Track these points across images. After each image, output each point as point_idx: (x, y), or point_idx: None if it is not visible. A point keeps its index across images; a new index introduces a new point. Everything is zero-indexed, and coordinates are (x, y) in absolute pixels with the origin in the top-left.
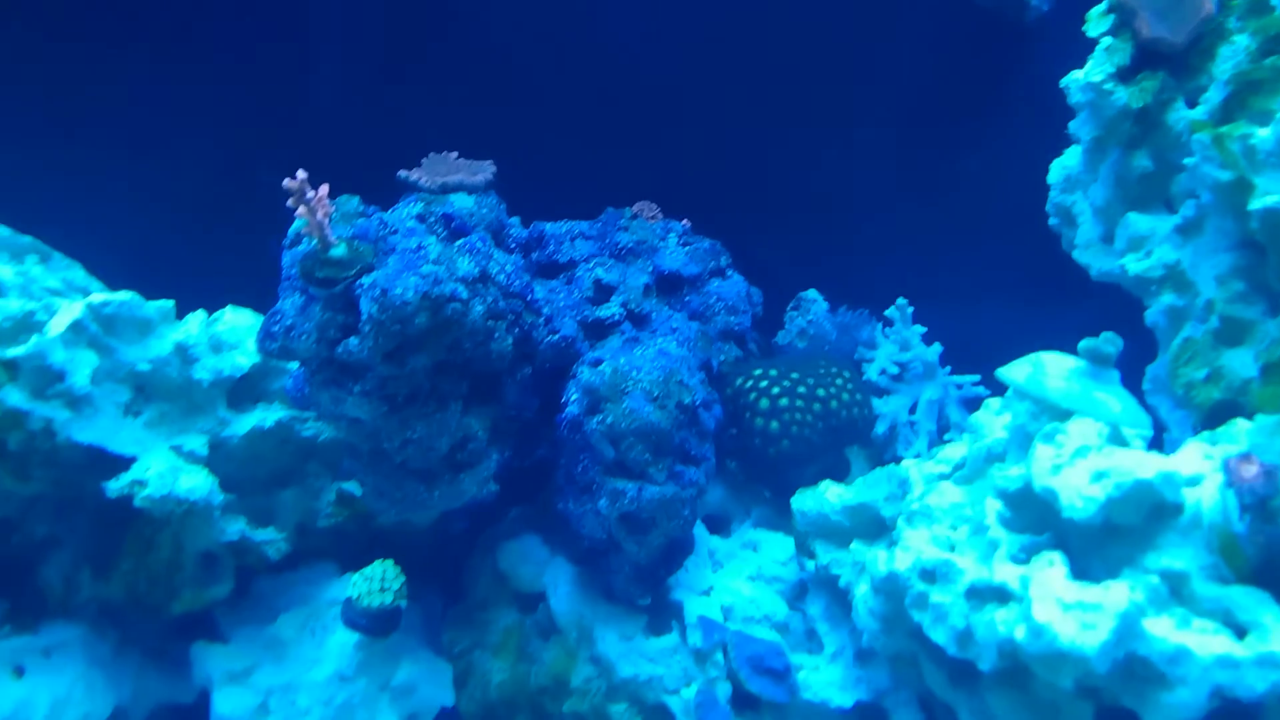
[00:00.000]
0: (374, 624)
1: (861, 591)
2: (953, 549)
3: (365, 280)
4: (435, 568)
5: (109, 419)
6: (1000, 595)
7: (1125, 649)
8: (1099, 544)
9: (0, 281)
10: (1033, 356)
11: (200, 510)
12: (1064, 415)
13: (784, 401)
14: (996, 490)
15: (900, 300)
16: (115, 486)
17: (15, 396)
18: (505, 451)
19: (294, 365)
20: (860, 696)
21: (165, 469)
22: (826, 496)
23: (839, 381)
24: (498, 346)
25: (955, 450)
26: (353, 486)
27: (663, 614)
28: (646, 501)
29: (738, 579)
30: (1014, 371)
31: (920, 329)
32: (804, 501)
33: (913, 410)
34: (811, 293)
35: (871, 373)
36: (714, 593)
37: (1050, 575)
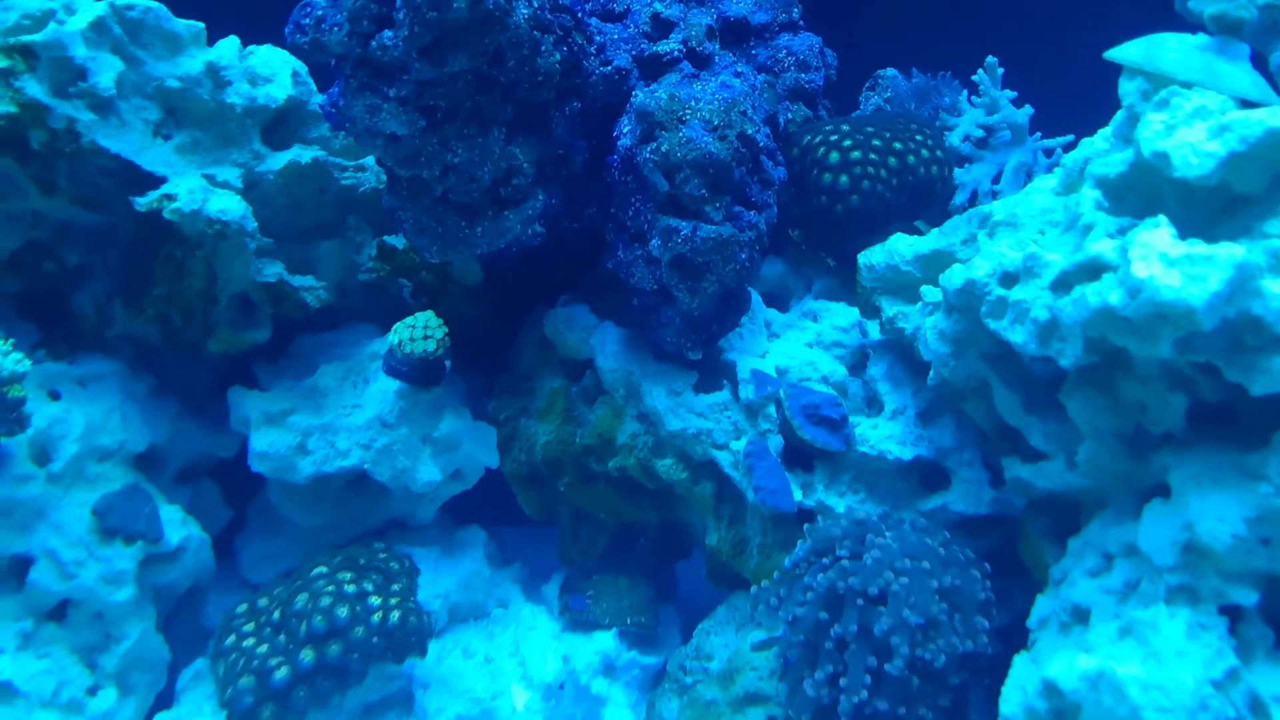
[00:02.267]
0: (416, 372)
1: (931, 318)
2: (1040, 247)
3: None
4: (481, 348)
5: (137, 135)
6: (1092, 271)
7: (1237, 306)
8: (1213, 219)
9: None
10: (1150, 36)
11: (233, 235)
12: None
13: (856, 155)
14: (1094, 179)
15: (990, 59)
16: (144, 201)
17: (35, 88)
18: (552, 197)
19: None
20: (921, 452)
21: (196, 187)
22: (897, 247)
23: (918, 138)
24: (544, 63)
25: (1047, 181)
26: (395, 240)
27: (713, 373)
28: (701, 241)
29: (795, 345)
30: (1126, 49)
31: (1010, 93)
32: (872, 255)
33: (997, 179)
34: (890, 71)
35: (954, 138)
36: (769, 356)
37: (1154, 236)
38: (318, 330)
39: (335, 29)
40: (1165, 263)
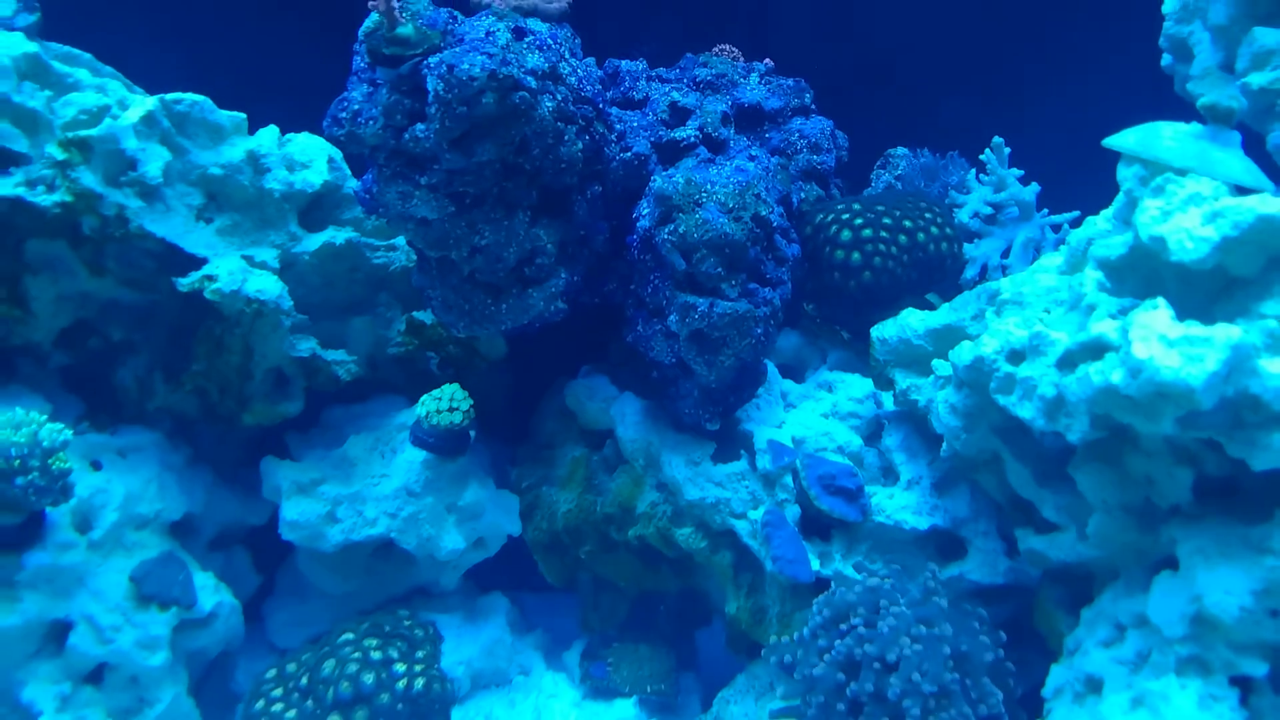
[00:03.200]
0: (442, 443)
1: (943, 391)
2: (1045, 325)
3: (432, 60)
4: (505, 419)
5: (181, 220)
6: (1095, 350)
7: (1235, 386)
8: (1211, 299)
9: (77, 80)
10: (1146, 124)
11: (270, 312)
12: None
13: (867, 232)
14: (1096, 261)
15: (996, 139)
16: (186, 281)
17: (89, 178)
18: (574, 274)
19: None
20: (936, 522)
21: (236, 268)
22: (909, 321)
23: (928, 215)
24: (567, 152)
25: (1053, 259)
26: (423, 315)
27: (731, 443)
28: (718, 317)
29: (811, 415)
30: (1123, 136)
31: (1017, 171)
32: (884, 330)
33: (1006, 254)
34: (900, 150)
35: (964, 215)
36: (785, 427)
37: (1153, 317)
38: (348, 402)
39: (371, 122)
40: (1165, 343)
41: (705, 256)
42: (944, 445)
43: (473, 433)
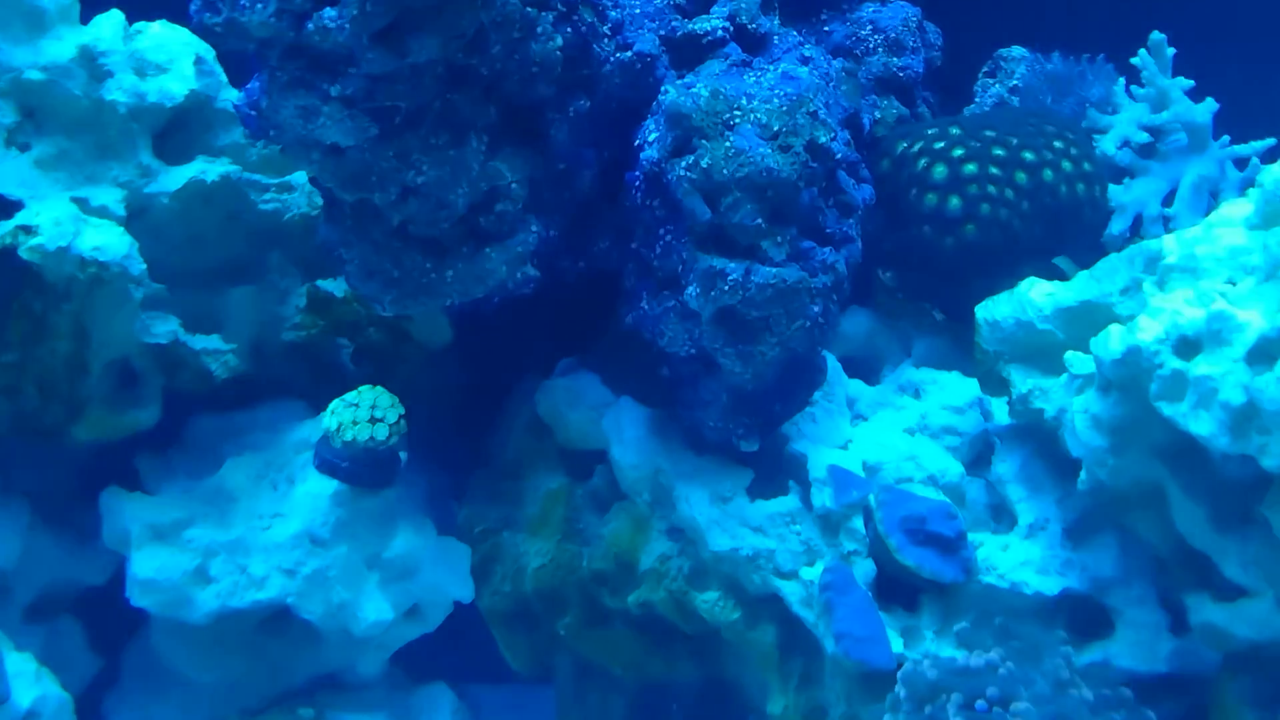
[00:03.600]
0: (360, 468)
1: (1080, 398)
2: (1230, 303)
3: None
4: (450, 435)
5: None
6: None
7: None
8: None
9: None
10: None
11: (113, 280)
12: None
13: (970, 169)
14: None
15: (1155, 36)
16: None
17: None
18: (550, 228)
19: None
20: (1070, 584)
21: (64, 216)
22: (1030, 296)
23: (1057, 145)
24: (541, 49)
25: (1238, 207)
26: (332, 285)
27: (776, 470)
28: (757, 289)
29: (890, 432)
30: None
31: (1186, 82)
32: (995, 308)
33: (1169, 200)
34: (1018, 51)
35: (1108, 145)
36: (853, 447)
37: None
38: (225, 409)
39: (258, 6)
40: None
41: (739, 202)
42: (1082, 474)
43: (404, 454)
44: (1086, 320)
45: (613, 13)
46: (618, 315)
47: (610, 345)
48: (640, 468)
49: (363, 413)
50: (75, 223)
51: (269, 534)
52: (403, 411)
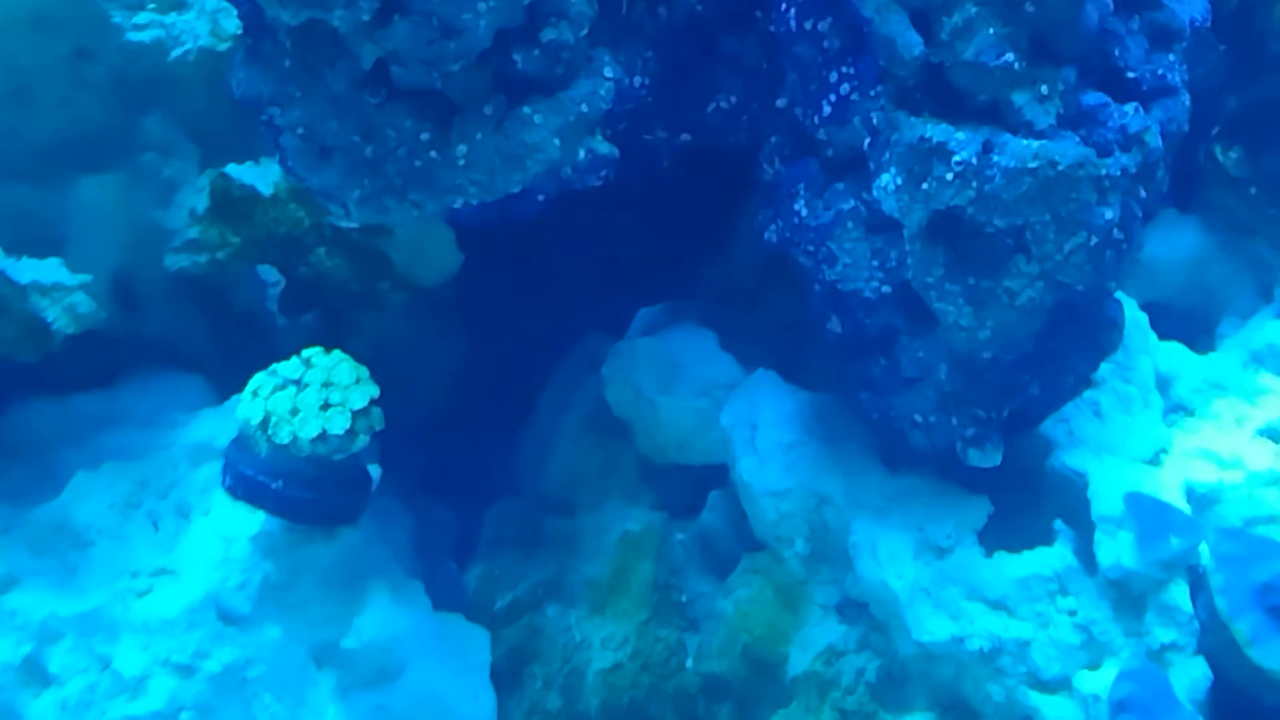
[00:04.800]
0: (304, 490)
1: None
2: None
3: None
4: (453, 434)
5: None
6: None
7: None
8: None
9: None
10: None
11: None
12: None
13: None
14: None
15: None
16: None
17: None
18: (634, 73)
19: None
20: None
21: None
22: None
23: None
24: None
25: None
26: (249, 172)
27: (1031, 502)
28: (1004, 178)
29: (1230, 432)
30: None
31: None
32: None
33: None
34: None
35: None
36: (1169, 462)
37: None
38: (68, 388)
39: None
40: None
41: (973, 23)
42: None
43: (375, 468)
44: None
45: None
46: (749, 226)
47: (733, 280)
48: (790, 495)
49: (308, 395)
50: None
51: (148, 604)
52: (375, 393)
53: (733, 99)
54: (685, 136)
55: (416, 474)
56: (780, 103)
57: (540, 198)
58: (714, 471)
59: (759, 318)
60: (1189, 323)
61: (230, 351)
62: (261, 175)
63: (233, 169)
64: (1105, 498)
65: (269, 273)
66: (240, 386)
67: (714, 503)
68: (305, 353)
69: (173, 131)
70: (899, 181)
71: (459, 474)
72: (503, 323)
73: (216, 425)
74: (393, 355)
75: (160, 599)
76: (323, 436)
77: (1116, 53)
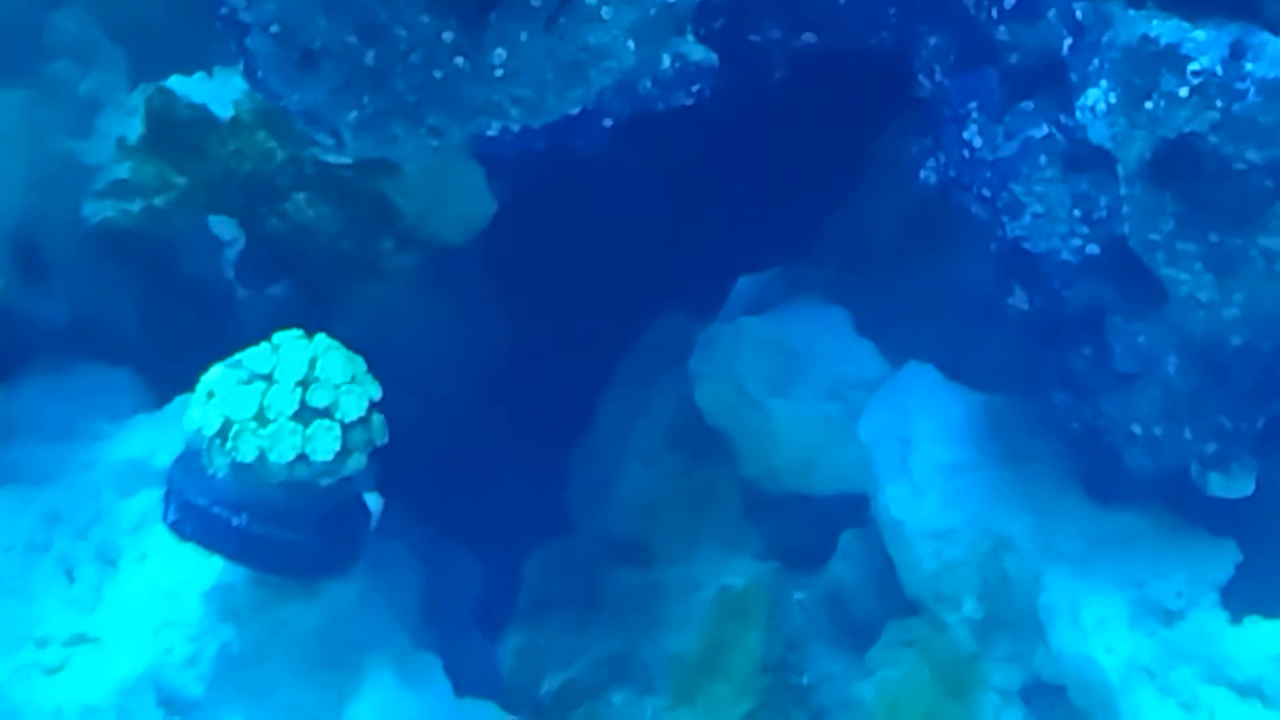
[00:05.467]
0: (278, 529)
1: None
2: None
3: None
4: (469, 450)
5: None
6: None
7: None
8: None
9: None
10: None
11: None
12: None
13: None
14: None
15: None
16: None
17: None
18: None
19: None
20: None
21: None
22: None
23: None
24: None
25: None
26: (203, 88)
27: None
28: (1255, 86)
29: None
30: None
31: None
32: None
33: None
34: None
35: None
36: None
37: None
38: None
39: None
40: None
41: None
42: None
43: (375, 499)
44: None
45: None
46: (894, 163)
47: (871, 237)
48: (957, 537)
49: (280, 397)
50: None
51: (61, 684)
52: (376, 395)
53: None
54: (808, 37)
55: (428, 507)
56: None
57: (607, 123)
58: (848, 504)
59: (907, 290)
60: None
61: (172, 336)
62: (216, 91)
63: (176, 82)
64: None
65: (226, 227)
66: (184, 383)
67: (847, 548)
68: (277, 337)
69: (93, 30)
70: (1112, 99)
71: (487, 507)
72: (549, 297)
73: (154, 437)
74: (396, 342)
75: (79, 677)
76: (303, 460)
77: None
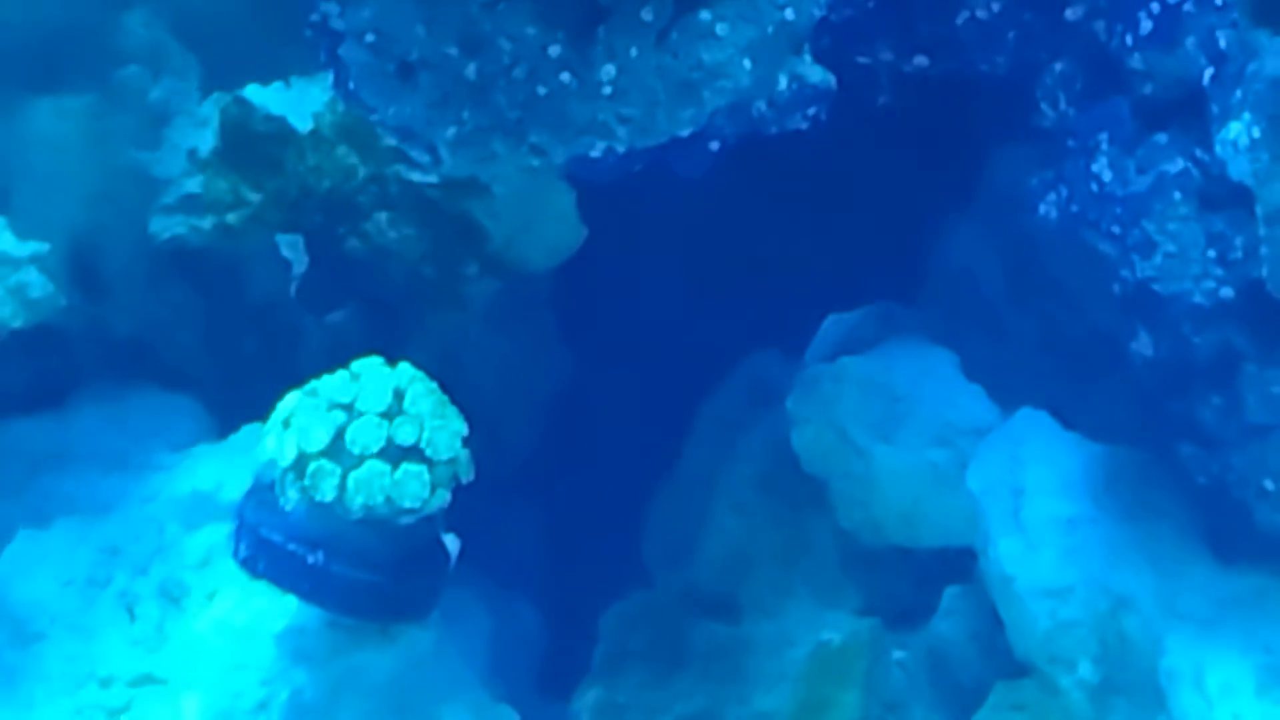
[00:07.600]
0: (356, 565)
1: None
2: None
3: None
4: (534, 493)
5: None
6: None
7: None
8: None
9: None
10: None
11: None
12: None
13: None
14: None
15: None
16: None
17: None
18: None
19: None
20: None
21: None
22: None
23: None
24: None
25: None
26: (281, 98)
27: None
28: None
29: None
30: None
31: None
32: None
33: None
34: None
35: None
36: None
37: None
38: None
39: None
40: None
41: None
42: None
43: (453, 540)
44: None
45: None
46: (1009, 195)
47: (980, 274)
48: (1072, 595)
49: (364, 431)
50: None
51: None
52: (464, 431)
53: (995, 5)
54: (920, 60)
55: (491, 554)
56: (1072, 12)
57: (713, 146)
58: (953, 558)
59: (1019, 331)
60: None
61: (234, 361)
62: (295, 102)
63: (253, 92)
64: None
65: (295, 246)
66: (247, 412)
67: (952, 604)
68: (356, 365)
69: (163, 35)
70: (1255, 134)
71: (552, 555)
72: (626, 330)
73: (219, 469)
74: (465, 376)
75: (144, 719)
76: (390, 500)
77: None
